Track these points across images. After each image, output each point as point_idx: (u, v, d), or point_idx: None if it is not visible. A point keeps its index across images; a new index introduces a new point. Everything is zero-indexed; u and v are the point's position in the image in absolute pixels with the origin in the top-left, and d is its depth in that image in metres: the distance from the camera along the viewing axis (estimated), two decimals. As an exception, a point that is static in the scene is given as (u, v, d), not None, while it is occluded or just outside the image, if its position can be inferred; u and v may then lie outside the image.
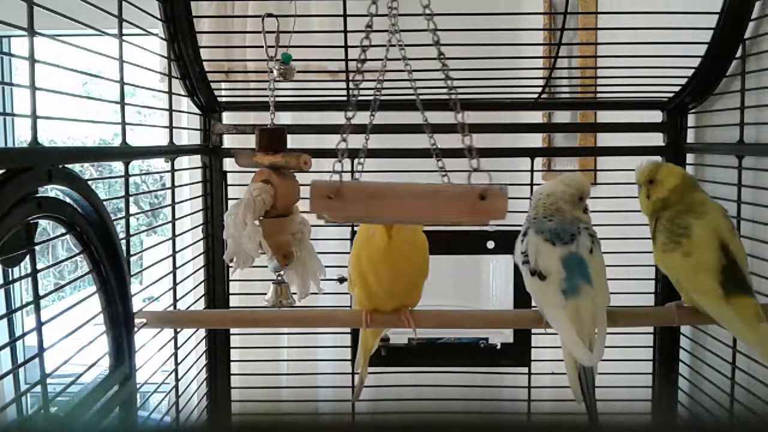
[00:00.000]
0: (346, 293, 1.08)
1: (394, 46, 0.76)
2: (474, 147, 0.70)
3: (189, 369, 1.20)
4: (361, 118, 0.76)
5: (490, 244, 1.21)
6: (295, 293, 1.02)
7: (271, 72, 1.01)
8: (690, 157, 1.21)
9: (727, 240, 0.87)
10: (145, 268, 1.07)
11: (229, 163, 1.22)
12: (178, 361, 1.14)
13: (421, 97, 0.77)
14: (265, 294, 1.03)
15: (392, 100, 1.02)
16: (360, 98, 0.73)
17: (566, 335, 0.89)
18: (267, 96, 1.01)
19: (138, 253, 1.00)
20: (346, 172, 0.71)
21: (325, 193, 0.68)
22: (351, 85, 0.74)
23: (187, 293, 1.24)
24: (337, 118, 0.84)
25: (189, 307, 1.27)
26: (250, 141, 1.01)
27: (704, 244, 0.87)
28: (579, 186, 0.95)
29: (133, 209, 2.07)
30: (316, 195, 0.67)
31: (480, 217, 0.68)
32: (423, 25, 0.73)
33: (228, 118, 1.32)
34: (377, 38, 0.75)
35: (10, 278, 0.70)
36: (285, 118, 1.73)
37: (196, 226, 1.27)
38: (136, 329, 0.90)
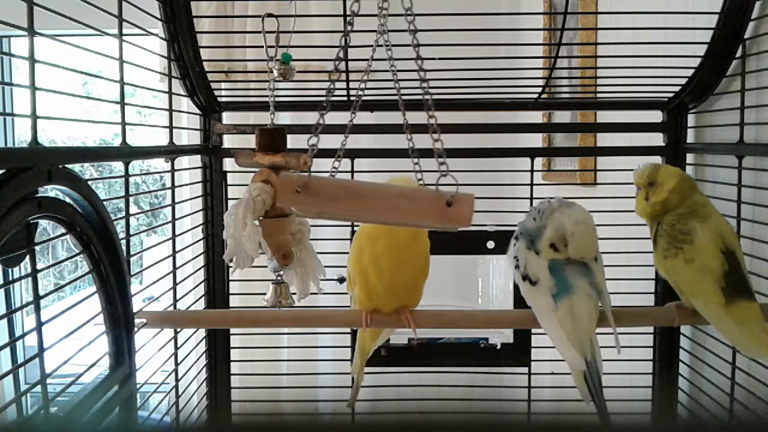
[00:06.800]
0: (346, 293, 1.08)
1: (381, 46, 0.75)
2: (443, 150, 0.70)
3: (189, 369, 1.20)
4: (358, 118, 0.76)
5: (490, 244, 1.21)
6: (294, 293, 1.01)
7: (271, 72, 1.01)
8: (690, 157, 1.21)
9: (734, 246, 0.86)
10: (145, 268, 1.07)
11: (229, 163, 1.22)
12: (178, 361, 1.14)
13: (407, 97, 0.77)
14: (265, 294, 1.03)
15: (379, 100, 1.02)
16: (352, 98, 0.73)
17: (556, 340, 0.89)
18: (267, 96, 1.01)
19: (138, 253, 1.00)
20: (342, 171, 0.71)
21: (293, 186, 0.67)
22: (330, 85, 0.74)
23: (187, 293, 1.24)
24: (336, 118, 0.84)
25: (189, 307, 1.27)
26: (250, 141, 1.01)
27: (707, 250, 0.86)
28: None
29: (133, 209, 2.07)
30: (283, 188, 0.67)
31: (445, 223, 0.68)
32: (417, 26, 0.73)
33: (228, 118, 1.32)
34: (372, 39, 0.75)
35: (10, 278, 0.70)
36: (285, 118, 1.73)
37: (196, 226, 1.27)
38: (136, 329, 0.90)
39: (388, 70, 0.77)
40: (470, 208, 0.68)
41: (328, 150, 0.83)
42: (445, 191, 0.68)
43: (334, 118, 0.78)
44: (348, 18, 0.74)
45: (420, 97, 0.74)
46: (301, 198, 0.67)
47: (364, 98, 0.79)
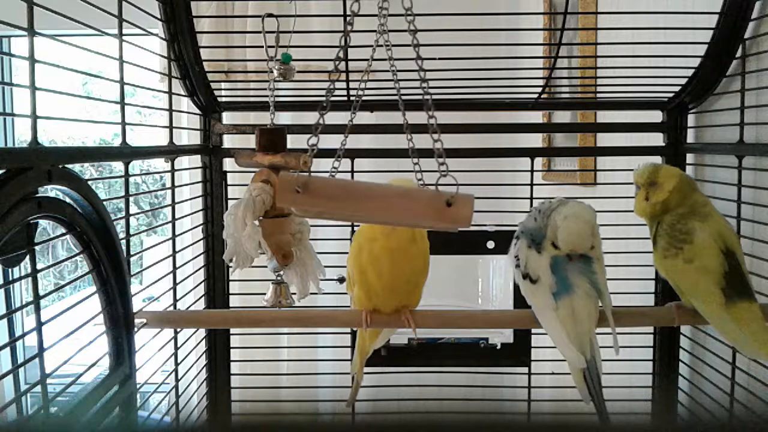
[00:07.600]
0: (346, 293, 1.08)
1: (381, 46, 0.75)
2: (443, 150, 0.70)
3: (189, 369, 1.20)
4: (358, 118, 0.76)
5: (490, 244, 1.21)
6: (294, 293, 1.01)
7: (271, 72, 1.01)
8: (690, 157, 1.21)
9: (734, 246, 0.86)
10: (145, 268, 1.07)
11: (229, 163, 1.22)
12: (178, 361, 1.14)
13: (407, 97, 0.77)
14: (265, 294, 1.03)
15: (379, 100, 1.02)
16: (352, 98, 0.73)
17: (556, 337, 0.89)
18: (267, 96, 1.01)
19: (138, 253, 1.00)
20: (342, 171, 0.71)
21: (292, 186, 0.67)
22: (330, 85, 0.74)
23: (187, 293, 1.24)
24: (336, 118, 0.84)
25: (189, 307, 1.27)
26: (250, 141, 1.01)
27: (706, 250, 0.86)
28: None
29: (133, 209, 2.07)
30: (283, 187, 0.67)
31: (445, 224, 0.68)
32: (417, 25, 0.73)
33: (228, 118, 1.32)
34: (372, 39, 0.75)
35: (10, 278, 0.70)
36: (285, 118, 1.73)
37: (196, 226, 1.27)
38: (136, 329, 0.90)
39: (388, 70, 0.77)
40: (470, 208, 0.68)
41: (328, 150, 0.83)
42: (445, 191, 0.68)
43: (334, 118, 0.78)
44: (348, 18, 0.74)
45: (420, 96, 0.74)
46: (301, 198, 0.68)
47: (364, 98, 0.79)
